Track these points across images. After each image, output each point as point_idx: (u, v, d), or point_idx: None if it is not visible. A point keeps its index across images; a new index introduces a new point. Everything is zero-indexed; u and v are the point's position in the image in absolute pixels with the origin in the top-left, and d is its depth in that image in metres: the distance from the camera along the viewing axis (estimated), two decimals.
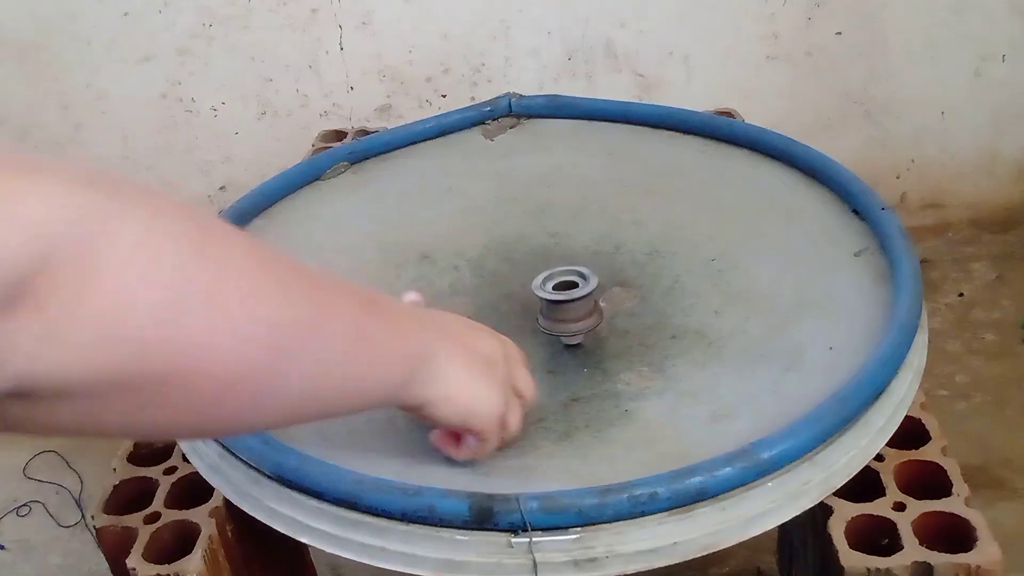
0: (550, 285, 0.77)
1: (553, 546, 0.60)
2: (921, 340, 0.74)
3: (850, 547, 0.64)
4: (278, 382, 0.40)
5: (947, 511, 0.66)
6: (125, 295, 0.31)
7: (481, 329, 0.62)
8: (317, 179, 1.03)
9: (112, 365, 0.32)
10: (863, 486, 0.68)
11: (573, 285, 0.76)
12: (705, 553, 0.62)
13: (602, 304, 0.82)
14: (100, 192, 0.31)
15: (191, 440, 0.44)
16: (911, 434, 0.72)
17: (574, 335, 0.77)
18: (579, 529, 0.60)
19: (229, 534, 0.73)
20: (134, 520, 0.72)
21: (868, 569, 0.63)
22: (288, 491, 0.65)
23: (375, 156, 1.07)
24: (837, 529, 0.65)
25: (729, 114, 1.11)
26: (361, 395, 0.49)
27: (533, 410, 0.72)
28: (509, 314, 0.83)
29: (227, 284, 0.36)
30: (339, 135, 1.22)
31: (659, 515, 0.60)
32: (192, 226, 0.35)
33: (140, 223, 0.32)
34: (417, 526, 0.61)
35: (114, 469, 0.78)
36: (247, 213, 0.97)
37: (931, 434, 0.72)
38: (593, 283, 0.76)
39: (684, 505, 0.60)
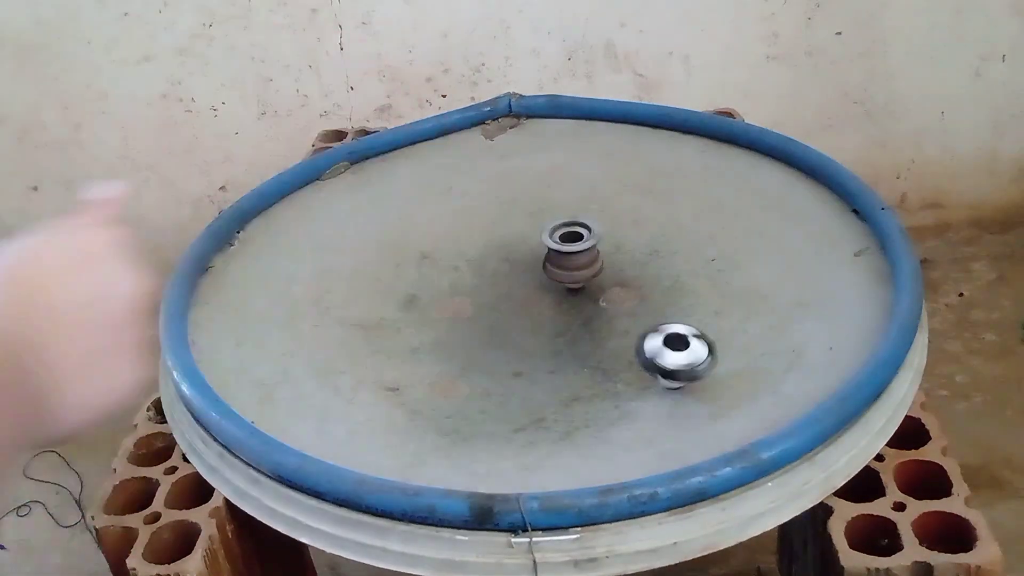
0: (557, 235, 0.82)
1: (553, 546, 0.60)
2: (921, 340, 0.74)
3: (850, 547, 0.64)
4: None
5: (947, 511, 0.66)
6: None
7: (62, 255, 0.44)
8: (317, 179, 1.03)
9: None
10: (863, 486, 0.68)
11: (579, 236, 0.82)
12: (705, 553, 0.62)
13: (602, 304, 0.82)
14: None
15: None
16: (911, 434, 0.72)
17: (577, 281, 0.82)
18: (579, 529, 0.60)
19: (229, 534, 0.73)
20: (134, 520, 0.72)
21: (868, 569, 0.63)
22: (288, 491, 0.65)
23: (375, 156, 1.07)
24: (837, 529, 0.65)
25: (729, 114, 1.11)
26: None
27: (533, 410, 0.72)
28: (509, 314, 0.83)
29: None
30: (339, 135, 1.22)
31: (659, 515, 0.60)
32: None
33: None
34: (417, 526, 0.61)
35: (114, 469, 0.78)
36: (247, 213, 0.97)
37: (931, 434, 0.72)
38: (598, 234, 0.81)
39: (684, 505, 0.60)
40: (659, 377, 0.69)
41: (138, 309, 0.45)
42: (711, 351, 0.69)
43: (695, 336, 0.69)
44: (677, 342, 0.69)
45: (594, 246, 0.81)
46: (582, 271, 0.82)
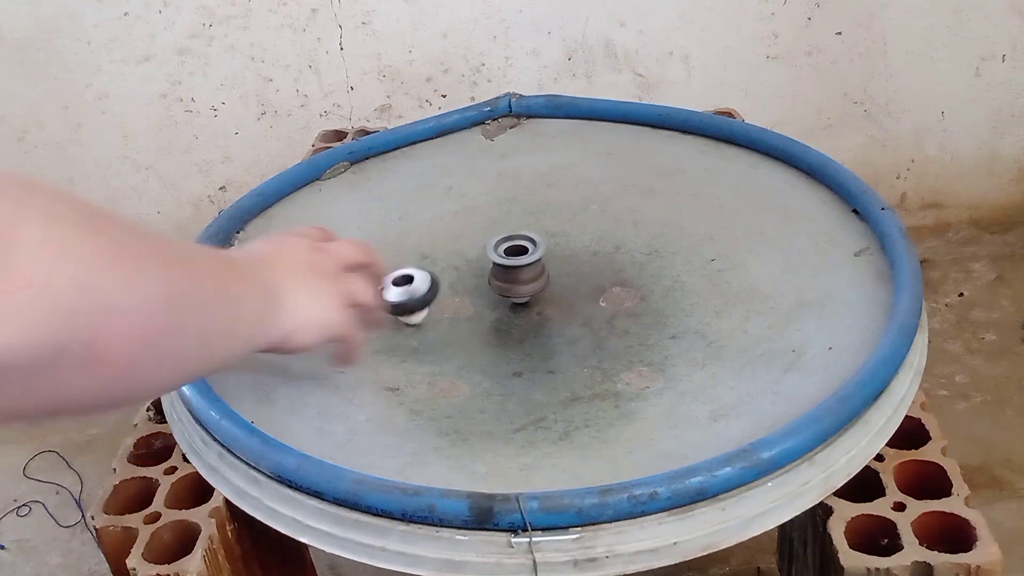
0: (502, 249, 0.81)
1: (553, 546, 0.60)
2: (921, 340, 0.74)
3: (850, 547, 0.64)
4: (176, 335, 0.48)
5: (947, 511, 0.66)
6: (45, 271, 0.39)
7: (303, 242, 0.68)
8: (317, 179, 1.03)
9: (46, 332, 0.39)
10: (863, 486, 0.68)
11: (524, 250, 0.81)
12: (705, 553, 0.62)
13: (602, 304, 0.82)
14: (13, 196, 0.39)
15: (120, 406, 0.52)
16: (911, 434, 0.72)
17: (522, 296, 0.82)
18: (579, 529, 0.60)
19: (229, 534, 0.73)
20: (134, 520, 0.72)
21: (868, 569, 0.63)
22: (288, 491, 0.65)
23: (375, 156, 1.07)
24: (837, 529, 0.65)
25: (729, 114, 1.11)
26: (235, 338, 0.56)
27: (533, 410, 0.72)
28: (509, 314, 0.83)
29: (123, 255, 0.43)
30: (339, 135, 1.22)
31: (659, 515, 0.60)
32: (85, 212, 0.42)
33: (42, 215, 0.39)
34: (417, 526, 0.61)
35: (114, 469, 0.78)
36: (247, 213, 0.97)
37: (931, 434, 0.72)
38: (542, 249, 0.80)
39: (684, 505, 0.60)
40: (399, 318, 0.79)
41: (338, 273, 0.67)
42: (433, 281, 0.77)
43: (420, 272, 0.78)
44: (403, 280, 0.78)
45: (539, 260, 0.80)
46: (527, 286, 0.81)
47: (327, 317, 0.64)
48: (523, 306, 0.83)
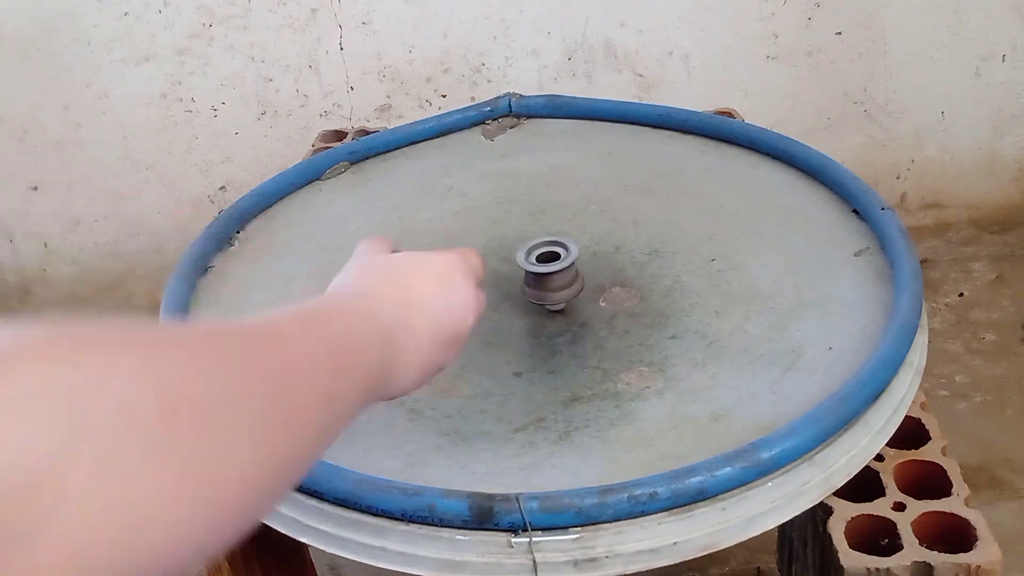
0: (533, 256, 0.80)
1: (553, 546, 0.60)
2: (921, 340, 0.74)
3: (850, 547, 0.64)
4: (256, 513, 0.39)
5: (947, 511, 0.66)
6: (90, 520, 0.31)
7: (424, 260, 0.60)
8: (317, 179, 1.03)
9: None
10: (863, 486, 0.68)
11: (556, 256, 0.79)
12: (705, 553, 0.62)
13: (602, 304, 0.82)
14: (61, 424, 0.30)
15: None
16: (911, 434, 0.72)
17: (557, 303, 0.80)
18: (579, 529, 0.60)
19: None
20: None
21: (868, 569, 0.63)
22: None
23: (375, 156, 1.07)
24: (837, 529, 0.66)
25: (729, 114, 1.11)
26: (343, 420, 0.49)
27: (533, 410, 0.72)
28: (509, 314, 0.83)
29: (194, 472, 0.34)
30: (339, 135, 1.22)
31: (659, 515, 0.60)
32: (153, 410, 0.33)
33: (96, 443, 0.31)
34: (417, 526, 0.61)
35: None
36: (247, 213, 0.97)
37: (931, 434, 0.72)
38: (574, 254, 0.78)
39: (684, 505, 0.61)
40: None
41: (467, 321, 0.60)
42: None
43: None
44: None
45: (572, 266, 0.79)
46: (562, 292, 0.79)
47: (450, 355, 0.58)
48: (523, 307, 0.83)
